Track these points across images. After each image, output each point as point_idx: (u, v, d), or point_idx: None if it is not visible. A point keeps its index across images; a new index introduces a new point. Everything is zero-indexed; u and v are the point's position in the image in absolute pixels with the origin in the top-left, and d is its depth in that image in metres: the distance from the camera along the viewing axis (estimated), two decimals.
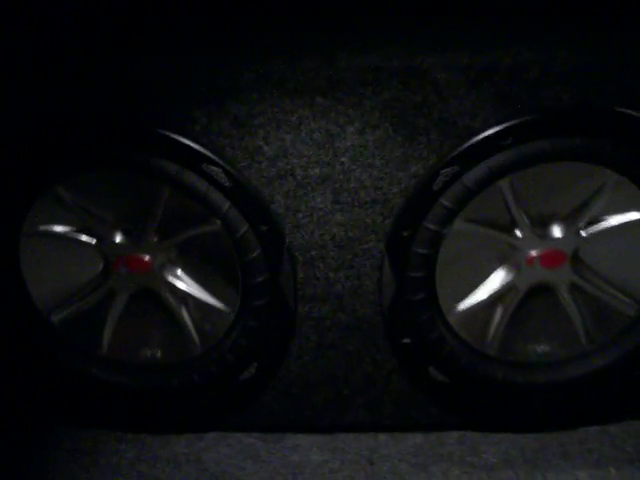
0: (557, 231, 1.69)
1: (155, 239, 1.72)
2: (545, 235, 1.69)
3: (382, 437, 1.83)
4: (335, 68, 1.56)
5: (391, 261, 1.66)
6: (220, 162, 1.60)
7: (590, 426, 1.81)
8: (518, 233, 1.69)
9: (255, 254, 1.66)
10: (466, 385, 1.78)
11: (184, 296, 1.78)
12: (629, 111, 1.56)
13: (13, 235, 1.72)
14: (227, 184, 1.61)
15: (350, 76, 1.56)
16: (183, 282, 1.77)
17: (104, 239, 1.73)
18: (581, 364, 1.79)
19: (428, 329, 1.72)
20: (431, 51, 1.57)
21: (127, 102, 1.60)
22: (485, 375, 1.77)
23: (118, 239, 1.73)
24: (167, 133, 1.59)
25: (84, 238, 1.74)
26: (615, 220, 1.70)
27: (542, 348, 1.80)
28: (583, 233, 1.69)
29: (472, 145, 1.56)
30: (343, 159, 1.63)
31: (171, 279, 1.76)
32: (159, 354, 1.83)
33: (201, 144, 1.60)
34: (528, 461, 1.72)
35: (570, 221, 1.69)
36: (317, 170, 1.64)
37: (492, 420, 1.81)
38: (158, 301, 1.79)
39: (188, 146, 1.59)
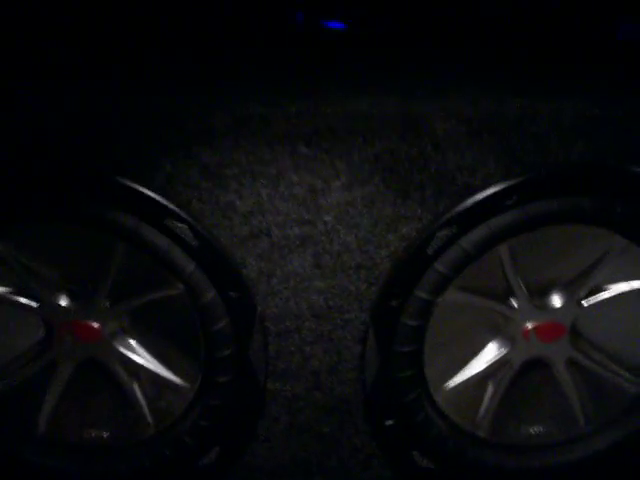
0: (556, 301, 1.50)
1: (106, 304, 1.46)
2: (543, 305, 1.50)
3: None
4: (321, 114, 1.35)
5: (377, 333, 1.44)
6: (186, 217, 1.37)
7: None
8: (514, 303, 1.48)
9: (222, 324, 1.42)
10: (453, 472, 1.57)
11: (137, 369, 1.53)
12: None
13: None
14: (193, 243, 1.37)
15: (338, 124, 1.35)
16: (136, 353, 1.51)
17: (47, 302, 1.46)
18: (579, 447, 1.60)
19: (414, 410, 1.50)
20: (429, 98, 1.38)
21: (78, 144, 1.35)
22: (475, 460, 1.56)
23: (63, 302, 1.47)
24: (125, 181, 1.35)
25: (23, 300, 1.47)
26: (619, 289, 1.52)
27: (537, 429, 1.60)
28: (584, 303, 1.50)
29: (472, 204, 1.36)
30: (326, 218, 1.40)
31: (123, 350, 1.50)
32: (106, 435, 1.57)
33: (165, 196, 1.36)
34: None
35: (570, 290, 1.50)
36: (296, 230, 1.41)
37: None
38: (107, 374, 1.52)
39: (149, 197, 1.35)
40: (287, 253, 1.42)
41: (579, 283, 1.49)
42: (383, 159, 1.37)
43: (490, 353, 1.54)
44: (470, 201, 1.36)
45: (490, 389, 1.56)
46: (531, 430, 1.59)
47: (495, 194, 1.36)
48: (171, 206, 1.36)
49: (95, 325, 1.47)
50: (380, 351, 1.44)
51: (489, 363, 1.53)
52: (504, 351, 1.53)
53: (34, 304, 1.47)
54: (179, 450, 1.52)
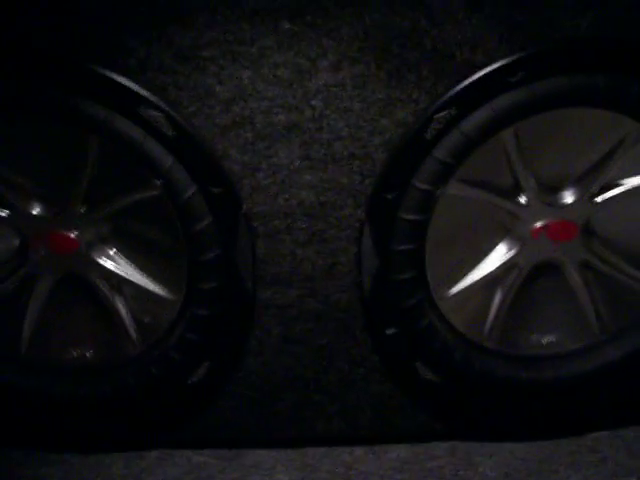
0: (567, 197, 1.38)
1: (82, 210, 1.34)
2: (553, 202, 1.38)
3: (360, 451, 1.51)
4: None
5: (373, 231, 1.32)
6: (161, 105, 1.26)
7: (603, 431, 1.50)
8: (522, 199, 1.36)
9: (204, 223, 1.31)
10: (460, 385, 1.46)
11: (118, 282, 1.42)
12: None
13: None
14: (170, 133, 1.27)
15: None
16: (117, 264, 1.40)
17: (18, 211, 1.35)
18: (593, 357, 1.48)
19: (416, 316, 1.38)
20: None
21: (44, 29, 1.23)
22: (483, 372, 1.45)
23: (36, 211, 1.35)
24: (94, 68, 1.23)
25: None
26: (635, 183, 1.38)
27: (548, 339, 1.49)
28: (598, 199, 1.38)
29: (473, 83, 1.24)
30: (314, 102, 1.28)
31: (102, 261, 1.39)
32: (89, 354, 1.47)
33: (137, 82, 1.24)
34: (532, 473, 1.42)
35: (582, 185, 1.38)
36: (282, 117, 1.29)
37: (490, 426, 1.50)
38: (87, 289, 1.42)
39: (120, 84, 1.24)
40: (273, 143, 1.30)
41: (591, 177, 1.37)
42: (374, 35, 1.24)
43: (497, 255, 1.43)
44: (470, 79, 1.23)
45: (498, 295, 1.45)
46: (542, 340, 1.48)
47: (498, 70, 1.23)
48: (144, 93, 1.24)
49: (71, 235, 1.37)
50: (377, 251, 1.33)
51: (496, 266, 1.42)
52: (512, 253, 1.41)
53: (4, 213, 1.36)
54: (167, 367, 1.42)
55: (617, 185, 1.38)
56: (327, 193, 1.34)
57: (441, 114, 1.24)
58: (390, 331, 1.40)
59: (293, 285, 1.40)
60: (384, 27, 1.24)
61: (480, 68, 1.24)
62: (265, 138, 1.30)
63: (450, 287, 1.42)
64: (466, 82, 1.24)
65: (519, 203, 1.37)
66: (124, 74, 1.24)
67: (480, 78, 1.24)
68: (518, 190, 1.36)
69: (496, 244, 1.43)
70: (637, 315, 1.47)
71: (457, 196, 1.35)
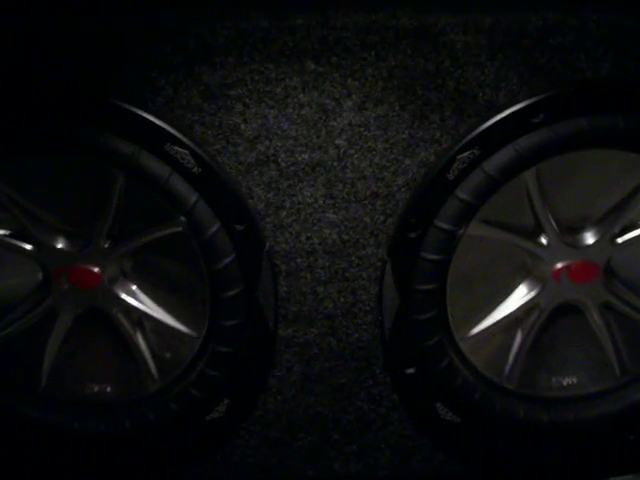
0: (589, 238, 1.35)
1: (106, 245, 1.32)
2: (574, 243, 1.35)
3: None
4: (331, 27, 1.22)
5: (394, 270, 1.29)
6: (187, 142, 1.24)
7: (625, 475, 1.45)
8: (543, 240, 1.33)
9: (227, 260, 1.28)
10: (480, 425, 1.41)
11: (140, 317, 1.39)
12: None
13: None
14: (195, 170, 1.24)
15: (349, 37, 1.22)
16: (139, 299, 1.38)
17: (43, 245, 1.33)
18: (614, 399, 1.43)
19: (437, 356, 1.35)
20: (447, 8, 1.23)
21: (72, 65, 1.23)
22: (503, 413, 1.40)
23: (60, 245, 1.33)
24: (122, 104, 1.22)
25: (16, 243, 1.34)
26: None
27: (569, 380, 1.44)
28: (619, 240, 1.35)
29: (495, 123, 1.22)
30: (338, 142, 1.27)
31: (124, 296, 1.37)
32: (108, 389, 1.43)
33: (164, 120, 1.23)
34: None
35: (604, 225, 1.35)
36: (306, 155, 1.27)
37: (511, 468, 1.44)
38: (108, 323, 1.39)
39: (148, 121, 1.22)
40: (297, 182, 1.29)
41: (613, 217, 1.34)
42: (398, 76, 1.23)
43: (518, 296, 1.39)
44: (493, 120, 1.22)
45: (519, 336, 1.41)
46: (563, 381, 1.43)
47: (520, 111, 1.22)
48: (171, 130, 1.23)
49: (95, 269, 1.34)
50: (399, 290, 1.30)
51: (517, 307, 1.38)
52: (533, 294, 1.38)
53: (28, 247, 1.35)
54: (186, 403, 1.39)
55: (638, 226, 1.36)
56: (349, 232, 1.32)
57: (464, 154, 1.22)
58: (410, 371, 1.36)
59: (314, 323, 1.37)
60: (407, 68, 1.23)
61: (502, 109, 1.23)
62: (289, 176, 1.29)
63: (471, 327, 1.38)
64: (489, 123, 1.22)
65: (540, 243, 1.34)
66: (152, 112, 1.23)
67: (503, 119, 1.22)
68: (539, 230, 1.33)
69: (517, 285, 1.39)
70: None
71: (479, 236, 1.33)
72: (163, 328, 1.39)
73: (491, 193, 1.27)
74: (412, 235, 1.27)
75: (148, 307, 1.39)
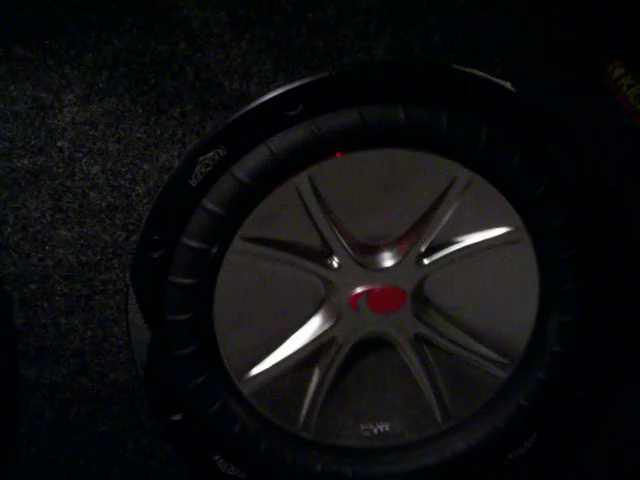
0: (389, 258, 1.11)
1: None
2: (373, 265, 1.12)
3: None
4: (43, 1, 0.99)
5: (139, 297, 1.05)
6: None
7: None
8: (335, 262, 1.09)
9: None
10: None
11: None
12: (476, 72, 0.99)
13: None
14: None
15: (64, 14, 0.99)
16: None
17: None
18: (435, 449, 1.19)
19: (205, 400, 1.11)
20: None
21: None
22: (298, 467, 1.16)
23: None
24: None
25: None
26: (470, 240, 1.11)
27: (380, 428, 1.20)
28: (426, 261, 1.11)
29: (242, 116, 0.99)
30: (61, 143, 1.05)
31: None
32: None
33: None
34: None
35: (407, 243, 1.11)
36: (26, 160, 1.05)
37: None
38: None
39: None
40: (18, 192, 1.06)
41: (416, 234, 1.11)
42: (125, 62, 1.01)
43: (311, 328, 1.15)
44: (240, 112, 0.99)
45: (316, 376, 1.17)
46: (374, 429, 1.20)
47: (272, 101, 0.98)
48: None
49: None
50: (147, 321, 1.06)
51: (309, 341, 1.15)
52: (327, 325, 1.14)
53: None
54: None
55: (450, 242, 1.12)
56: (87, 252, 1.09)
57: (207, 155, 0.99)
58: (177, 417, 1.12)
59: (61, 361, 1.13)
60: (135, 52, 1.00)
61: (253, 99, 0.99)
62: (8, 186, 1.06)
63: (252, 365, 1.14)
64: (235, 115, 0.99)
65: (329, 266, 1.11)
66: None
67: (251, 110, 0.98)
68: (328, 251, 1.10)
69: (311, 315, 1.15)
70: (485, 397, 1.19)
71: (252, 256, 1.09)
72: None
73: (251, 204, 1.03)
74: (155, 255, 1.04)
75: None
